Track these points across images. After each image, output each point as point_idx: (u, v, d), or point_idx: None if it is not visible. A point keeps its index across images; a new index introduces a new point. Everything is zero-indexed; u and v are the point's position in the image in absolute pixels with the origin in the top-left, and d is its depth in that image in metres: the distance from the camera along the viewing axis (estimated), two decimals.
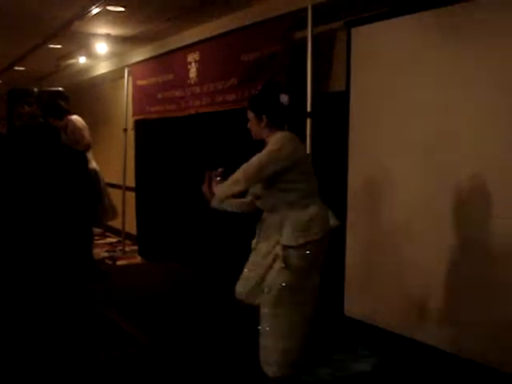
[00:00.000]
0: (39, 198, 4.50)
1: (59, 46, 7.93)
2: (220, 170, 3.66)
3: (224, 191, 3.57)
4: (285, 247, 3.47)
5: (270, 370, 3.52)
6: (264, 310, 3.54)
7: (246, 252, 3.95)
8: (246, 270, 3.76)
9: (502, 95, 3.74)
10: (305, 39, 4.82)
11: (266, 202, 3.62)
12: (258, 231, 3.76)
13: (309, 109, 4.70)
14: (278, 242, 3.52)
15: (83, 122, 7.03)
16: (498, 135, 3.78)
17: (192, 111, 6.67)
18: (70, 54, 8.42)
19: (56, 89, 7.72)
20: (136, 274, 7.08)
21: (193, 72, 6.59)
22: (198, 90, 6.52)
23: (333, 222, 3.63)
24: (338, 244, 4.84)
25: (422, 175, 4.26)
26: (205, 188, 3.69)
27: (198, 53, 6.50)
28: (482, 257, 3.89)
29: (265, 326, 3.54)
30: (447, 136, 4.07)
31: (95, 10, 6.00)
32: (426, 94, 4.21)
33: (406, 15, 4.32)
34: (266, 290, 3.53)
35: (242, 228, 5.79)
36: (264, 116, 3.56)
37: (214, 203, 3.68)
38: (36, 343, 4.22)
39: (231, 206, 3.77)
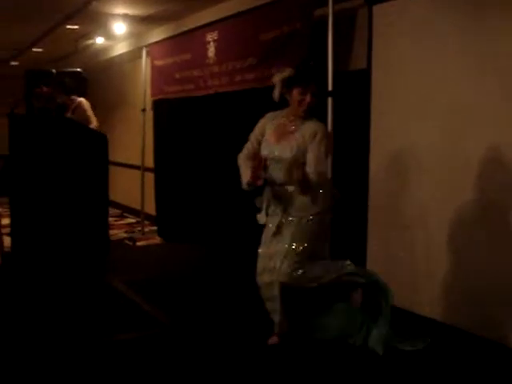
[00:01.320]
0: (58, 178, 4.49)
1: (77, 27, 7.90)
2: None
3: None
4: (294, 218, 3.74)
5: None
6: (279, 280, 3.75)
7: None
8: (260, 249, 3.92)
9: None
10: (325, 17, 4.74)
11: (278, 176, 3.75)
12: (264, 205, 3.89)
13: (330, 88, 4.64)
14: (286, 214, 3.77)
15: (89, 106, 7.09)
16: None
17: (211, 91, 6.62)
18: (88, 35, 8.39)
19: (74, 69, 7.71)
20: (156, 255, 7.09)
21: (211, 51, 6.53)
22: (216, 69, 6.47)
23: (334, 194, 3.87)
24: (360, 225, 4.81)
25: (448, 153, 4.18)
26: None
27: (216, 32, 6.44)
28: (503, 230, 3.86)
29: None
30: (471, 109, 4.02)
31: None
32: (450, 68, 4.15)
33: None
34: (278, 263, 3.73)
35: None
36: None
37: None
38: (53, 327, 4.22)
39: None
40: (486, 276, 3.95)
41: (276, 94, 3.78)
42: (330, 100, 4.64)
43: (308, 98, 3.69)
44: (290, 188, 3.71)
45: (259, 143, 3.85)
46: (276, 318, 3.90)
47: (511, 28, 3.76)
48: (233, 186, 6.25)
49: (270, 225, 3.85)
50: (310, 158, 3.64)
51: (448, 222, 4.20)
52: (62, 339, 3.99)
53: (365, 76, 4.78)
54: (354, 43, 5.05)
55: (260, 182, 3.69)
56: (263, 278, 3.87)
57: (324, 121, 4.51)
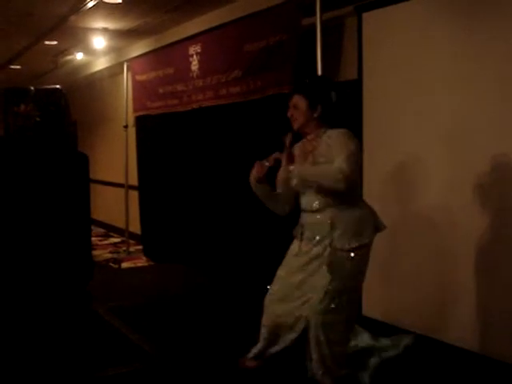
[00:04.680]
0: (34, 202, 4.26)
1: (55, 43, 7.73)
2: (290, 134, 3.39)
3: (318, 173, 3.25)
4: (336, 250, 3.28)
5: (331, 376, 3.36)
6: (314, 319, 3.31)
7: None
8: (283, 272, 3.53)
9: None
10: (313, 26, 4.58)
11: (312, 201, 3.37)
12: (299, 234, 3.49)
13: None
14: (328, 245, 3.31)
15: None
16: None
17: (195, 105, 6.45)
18: (67, 51, 8.24)
19: (53, 86, 7.52)
20: (142, 278, 6.79)
21: (195, 65, 6.36)
22: (200, 83, 6.29)
23: (380, 225, 3.44)
24: None
25: (444, 164, 4.02)
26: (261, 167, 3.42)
27: (199, 45, 6.27)
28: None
29: (318, 335, 3.32)
30: (470, 118, 3.87)
31: (91, 3, 5.79)
32: (443, 75, 4.00)
33: None
34: (311, 295, 3.34)
35: (252, 226, 5.59)
36: (319, 106, 3.34)
37: (294, 181, 3.27)
38: (33, 356, 3.96)
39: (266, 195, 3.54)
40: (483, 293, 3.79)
41: None
42: None
43: (291, 113, 3.39)
44: (323, 215, 3.32)
45: None
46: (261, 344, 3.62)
47: (502, 32, 3.65)
48: (221, 203, 6.11)
49: (301, 249, 3.43)
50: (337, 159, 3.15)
51: (447, 241, 4.04)
52: (52, 375, 3.73)
53: (356, 86, 4.61)
54: (344, 53, 4.89)
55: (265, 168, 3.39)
56: (278, 308, 3.49)
57: None
